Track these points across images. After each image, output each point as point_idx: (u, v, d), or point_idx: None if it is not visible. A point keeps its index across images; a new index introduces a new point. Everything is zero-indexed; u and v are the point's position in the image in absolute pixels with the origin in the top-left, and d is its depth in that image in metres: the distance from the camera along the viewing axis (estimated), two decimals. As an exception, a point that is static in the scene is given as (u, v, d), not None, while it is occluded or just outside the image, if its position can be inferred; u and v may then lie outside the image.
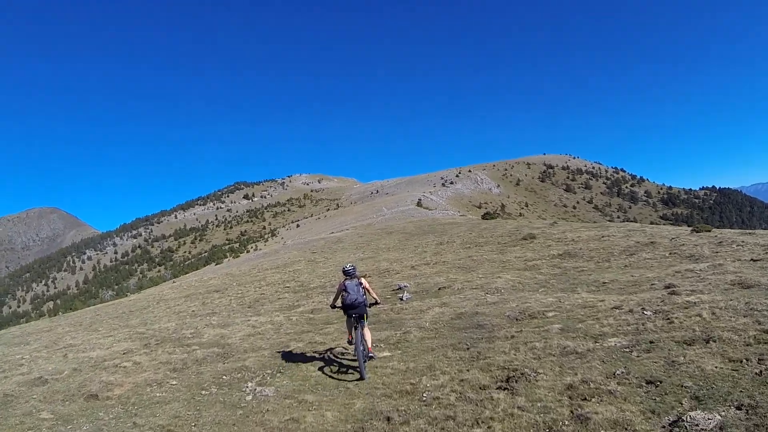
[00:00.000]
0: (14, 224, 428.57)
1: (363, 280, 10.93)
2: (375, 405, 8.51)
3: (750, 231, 22.91)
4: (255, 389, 9.97)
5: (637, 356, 8.34)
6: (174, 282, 56.21)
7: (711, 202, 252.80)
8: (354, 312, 10.63)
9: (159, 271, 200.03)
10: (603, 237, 25.56)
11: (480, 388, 8.34)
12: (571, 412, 6.87)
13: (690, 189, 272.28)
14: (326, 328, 14.95)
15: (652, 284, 14.11)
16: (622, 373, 7.74)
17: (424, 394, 8.54)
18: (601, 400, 7.03)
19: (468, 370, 9.26)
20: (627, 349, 8.73)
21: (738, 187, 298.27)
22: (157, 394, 10.19)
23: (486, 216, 64.95)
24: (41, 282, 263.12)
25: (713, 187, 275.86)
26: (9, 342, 20.98)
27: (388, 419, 7.75)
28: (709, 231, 23.55)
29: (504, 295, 15.77)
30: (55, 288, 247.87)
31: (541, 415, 6.96)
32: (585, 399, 7.18)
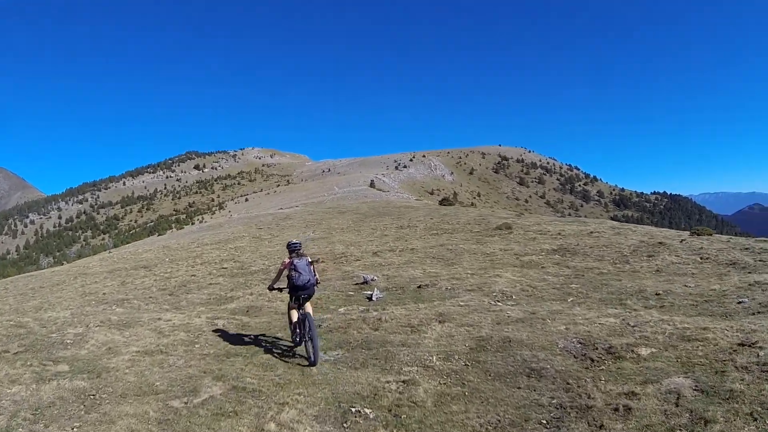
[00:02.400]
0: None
1: (310, 258, 10.28)
2: None
3: (763, 238, 20.41)
4: None
5: None
6: (109, 252, 51.92)
7: (661, 207, 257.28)
8: (305, 293, 9.98)
9: (103, 239, 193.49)
10: (592, 233, 22.92)
11: None
12: None
13: (642, 192, 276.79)
14: (261, 353, 10.28)
15: (740, 302, 10.76)
16: None
17: None
18: None
19: None
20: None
21: (687, 194, 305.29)
22: None
23: (444, 202, 63.35)
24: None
25: (664, 192, 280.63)
26: None
27: None
28: (711, 235, 21.31)
29: (524, 306, 12.20)
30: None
31: None
32: None
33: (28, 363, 9.60)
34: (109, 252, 52.32)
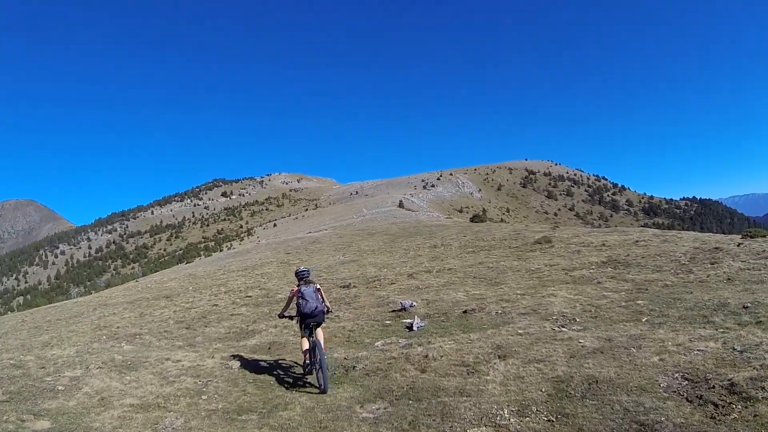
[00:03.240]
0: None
1: (318, 286, 10.26)
2: None
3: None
4: None
5: None
6: (136, 282, 50.88)
7: (692, 212, 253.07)
8: (313, 321, 9.96)
9: (133, 268, 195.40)
10: (638, 242, 21.38)
11: None
12: None
13: (671, 199, 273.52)
14: (281, 409, 8.51)
15: None
16: None
17: None
18: None
19: None
20: None
21: (717, 198, 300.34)
22: None
23: (475, 219, 61.86)
24: (12, 276, 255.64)
25: (694, 197, 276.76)
26: None
27: None
28: (765, 237, 19.82)
29: (595, 331, 10.34)
30: (26, 282, 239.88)
31: None
32: None
33: (5, 417, 8.02)
34: (136, 281, 51.42)
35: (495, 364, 9.06)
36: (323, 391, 9.06)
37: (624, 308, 11.95)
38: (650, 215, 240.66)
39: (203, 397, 9.16)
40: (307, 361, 10.05)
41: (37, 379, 10.07)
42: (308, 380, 9.80)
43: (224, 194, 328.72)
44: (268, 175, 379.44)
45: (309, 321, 9.87)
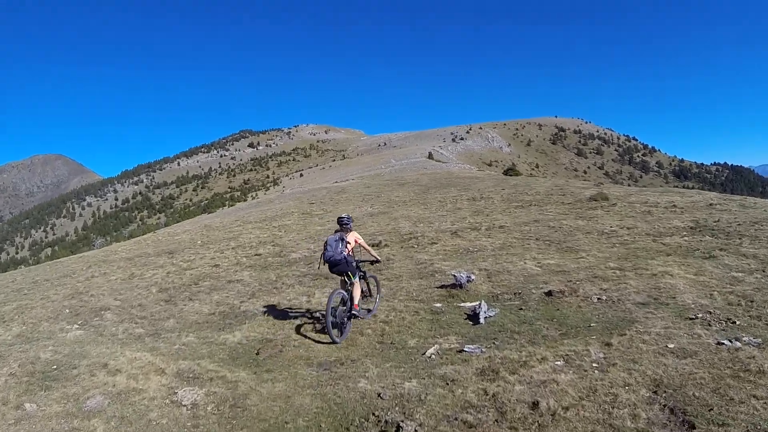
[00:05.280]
0: (19, 171, 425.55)
1: (350, 235, 9.54)
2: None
3: None
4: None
5: None
6: (154, 233, 47.81)
7: (722, 178, 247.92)
8: (335, 270, 9.38)
9: (159, 218, 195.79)
10: (712, 204, 18.39)
11: None
12: None
13: (702, 163, 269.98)
14: None
15: None
16: None
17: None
18: None
19: None
20: None
21: (746, 165, 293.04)
22: None
23: (509, 172, 58.79)
24: (40, 228, 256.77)
25: (725, 163, 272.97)
26: None
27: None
28: None
29: None
30: (54, 234, 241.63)
31: None
32: None
33: None
34: (154, 232, 48.65)
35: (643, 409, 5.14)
36: (333, 342, 8.63)
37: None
38: (680, 178, 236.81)
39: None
40: (328, 314, 8.75)
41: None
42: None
43: (251, 145, 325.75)
44: (295, 126, 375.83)
45: (333, 270, 9.45)
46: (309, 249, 17.49)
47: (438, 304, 9.96)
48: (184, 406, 6.45)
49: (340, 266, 9.26)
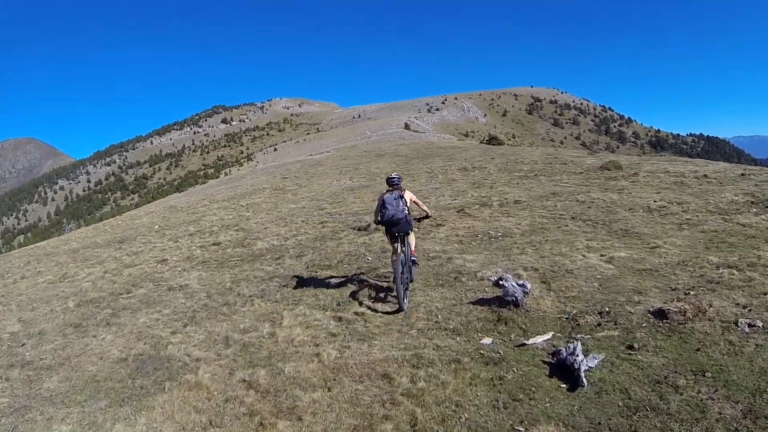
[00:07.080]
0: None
1: (406, 193, 9.21)
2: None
3: None
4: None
5: None
6: (117, 217, 44.75)
7: (698, 149, 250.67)
8: (396, 230, 8.90)
9: (133, 199, 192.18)
10: (743, 174, 16.32)
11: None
12: None
13: (678, 134, 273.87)
14: None
15: None
16: None
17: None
18: None
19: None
20: None
21: (721, 137, 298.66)
22: None
23: (492, 141, 57.43)
24: (12, 215, 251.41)
25: (701, 134, 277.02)
26: None
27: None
28: None
29: None
30: (26, 221, 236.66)
31: None
32: None
33: None
34: (117, 216, 45.78)
35: None
36: (400, 309, 8.19)
37: None
38: (657, 149, 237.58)
39: None
40: (395, 277, 8.41)
41: None
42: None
43: (224, 121, 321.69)
44: (269, 100, 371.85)
45: (392, 230, 8.87)
46: (278, 236, 14.56)
47: (487, 340, 6.47)
48: None
49: (401, 225, 8.87)
